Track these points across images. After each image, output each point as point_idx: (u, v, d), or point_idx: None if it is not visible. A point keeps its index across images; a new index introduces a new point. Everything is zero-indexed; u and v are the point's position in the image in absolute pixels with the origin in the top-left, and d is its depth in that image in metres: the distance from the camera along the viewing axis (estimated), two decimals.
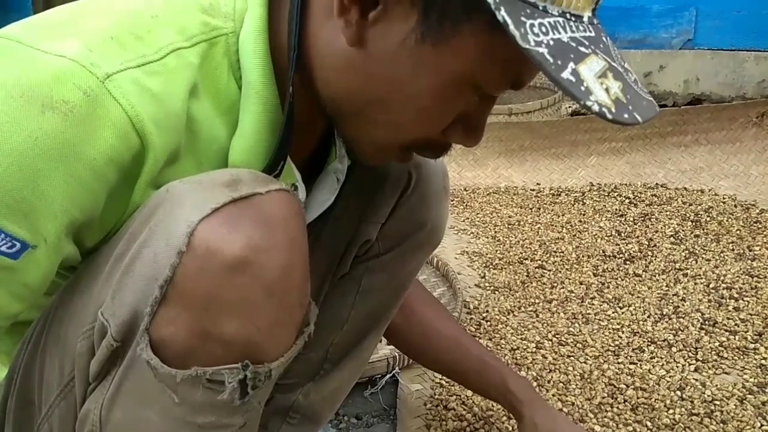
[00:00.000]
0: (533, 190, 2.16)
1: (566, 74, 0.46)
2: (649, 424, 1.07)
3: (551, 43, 0.47)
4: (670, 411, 1.10)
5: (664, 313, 1.40)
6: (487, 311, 1.42)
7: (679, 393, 1.14)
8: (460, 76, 0.52)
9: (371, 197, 0.77)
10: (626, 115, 0.48)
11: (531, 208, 2.00)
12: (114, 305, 0.50)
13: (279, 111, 0.56)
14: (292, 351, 0.53)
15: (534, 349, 1.28)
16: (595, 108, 0.47)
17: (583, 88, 0.47)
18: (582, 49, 0.48)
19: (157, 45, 0.51)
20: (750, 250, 1.67)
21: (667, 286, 1.51)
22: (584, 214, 1.94)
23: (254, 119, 0.55)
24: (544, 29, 0.47)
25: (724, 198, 2.02)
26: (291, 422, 0.85)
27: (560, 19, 0.48)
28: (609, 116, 0.47)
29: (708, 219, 1.86)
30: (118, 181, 0.50)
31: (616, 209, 1.96)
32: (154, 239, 0.48)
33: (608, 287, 1.52)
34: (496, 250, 1.73)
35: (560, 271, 1.60)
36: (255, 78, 0.54)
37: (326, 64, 0.55)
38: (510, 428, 1.05)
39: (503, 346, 1.29)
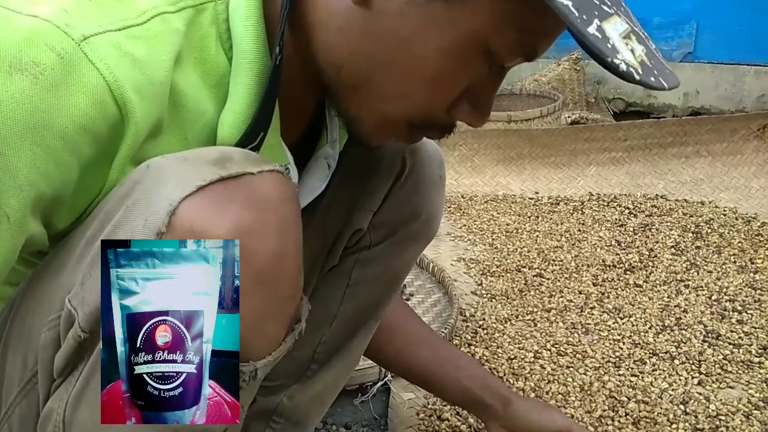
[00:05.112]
0: (531, 198, 2.13)
1: (592, 29, 0.43)
2: None
3: None
4: (674, 426, 1.06)
5: (666, 324, 1.36)
6: (484, 319, 1.38)
7: (682, 407, 1.10)
8: (472, 39, 0.48)
9: (363, 183, 0.73)
10: (653, 79, 0.45)
11: (529, 217, 1.97)
12: (83, 292, 0.45)
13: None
14: (281, 349, 0.49)
15: (532, 359, 1.23)
16: (623, 67, 0.43)
17: (609, 45, 0.44)
18: (605, 8, 0.46)
19: (139, 8, 0.47)
20: (752, 263, 1.63)
21: (668, 297, 1.47)
22: (583, 224, 1.91)
23: (246, 92, 0.51)
24: None
25: (724, 210, 1.99)
26: (275, 427, 0.80)
27: None
28: (636, 77, 0.44)
29: (709, 231, 1.83)
30: (94, 155, 0.46)
31: (616, 219, 1.93)
32: (131, 219, 0.44)
33: (608, 297, 1.48)
34: (494, 258, 1.69)
35: (559, 280, 1.56)
36: (248, 47, 0.50)
37: (328, 25, 0.51)
38: None
39: (500, 355, 1.25)
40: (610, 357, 1.25)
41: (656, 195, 2.13)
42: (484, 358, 1.24)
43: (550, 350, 1.27)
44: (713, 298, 1.46)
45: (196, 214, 0.43)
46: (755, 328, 1.34)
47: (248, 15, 0.50)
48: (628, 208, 2.00)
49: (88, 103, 0.44)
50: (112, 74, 0.44)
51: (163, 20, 0.48)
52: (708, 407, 1.10)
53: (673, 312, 1.41)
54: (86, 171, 0.47)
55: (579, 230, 1.86)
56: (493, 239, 1.81)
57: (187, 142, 0.51)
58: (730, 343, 1.29)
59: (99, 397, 0.46)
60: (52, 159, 0.44)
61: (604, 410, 1.09)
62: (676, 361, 1.23)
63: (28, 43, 0.42)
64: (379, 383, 1.15)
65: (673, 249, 1.72)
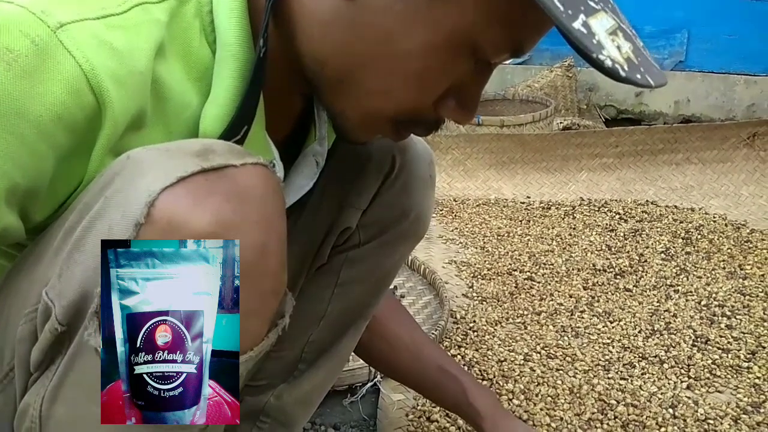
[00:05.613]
0: (523, 202, 2.13)
1: (577, 24, 0.43)
2: None
3: None
4: (662, 429, 1.05)
5: (656, 328, 1.35)
6: (474, 321, 1.37)
7: (671, 411, 1.10)
8: (457, 34, 0.48)
9: (352, 181, 0.72)
10: (639, 76, 0.44)
11: (520, 221, 1.97)
12: (61, 284, 0.44)
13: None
14: (263, 345, 0.48)
15: (522, 362, 1.23)
16: (608, 63, 0.43)
17: (594, 41, 0.43)
18: (592, 3, 0.45)
19: None
20: (741, 269, 1.64)
21: (658, 302, 1.47)
22: (574, 228, 1.91)
23: (230, 84, 0.50)
24: None
25: (714, 217, 2.00)
26: (261, 427, 0.79)
27: None
28: (622, 73, 0.43)
29: (699, 237, 1.83)
30: (71, 145, 0.45)
31: (607, 224, 1.93)
32: (110, 210, 0.43)
33: (598, 301, 1.48)
34: (485, 261, 1.68)
35: (549, 284, 1.56)
36: (231, 39, 0.49)
37: (312, 18, 0.50)
38: None
39: (490, 357, 1.24)
40: (600, 360, 1.24)
41: (647, 201, 2.13)
42: (474, 360, 1.23)
43: (539, 353, 1.26)
44: (702, 303, 1.46)
45: (176, 206, 0.42)
46: (744, 333, 1.34)
47: (232, 7, 0.49)
48: (619, 214, 2.01)
49: (64, 91, 0.43)
50: (88, 63, 0.43)
51: (144, 10, 0.47)
52: (696, 411, 1.10)
53: (662, 316, 1.40)
54: (63, 162, 0.46)
55: (570, 234, 1.86)
56: (484, 242, 1.81)
57: (171, 135, 0.50)
58: (719, 348, 1.29)
59: (76, 392, 0.45)
60: (26, 148, 0.43)
61: (593, 413, 1.08)
62: (665, 365, 1.23)
63: (2, 29, 0.41)
64: (369, 384, 1.14)
65: (663, 254, 1.72)
